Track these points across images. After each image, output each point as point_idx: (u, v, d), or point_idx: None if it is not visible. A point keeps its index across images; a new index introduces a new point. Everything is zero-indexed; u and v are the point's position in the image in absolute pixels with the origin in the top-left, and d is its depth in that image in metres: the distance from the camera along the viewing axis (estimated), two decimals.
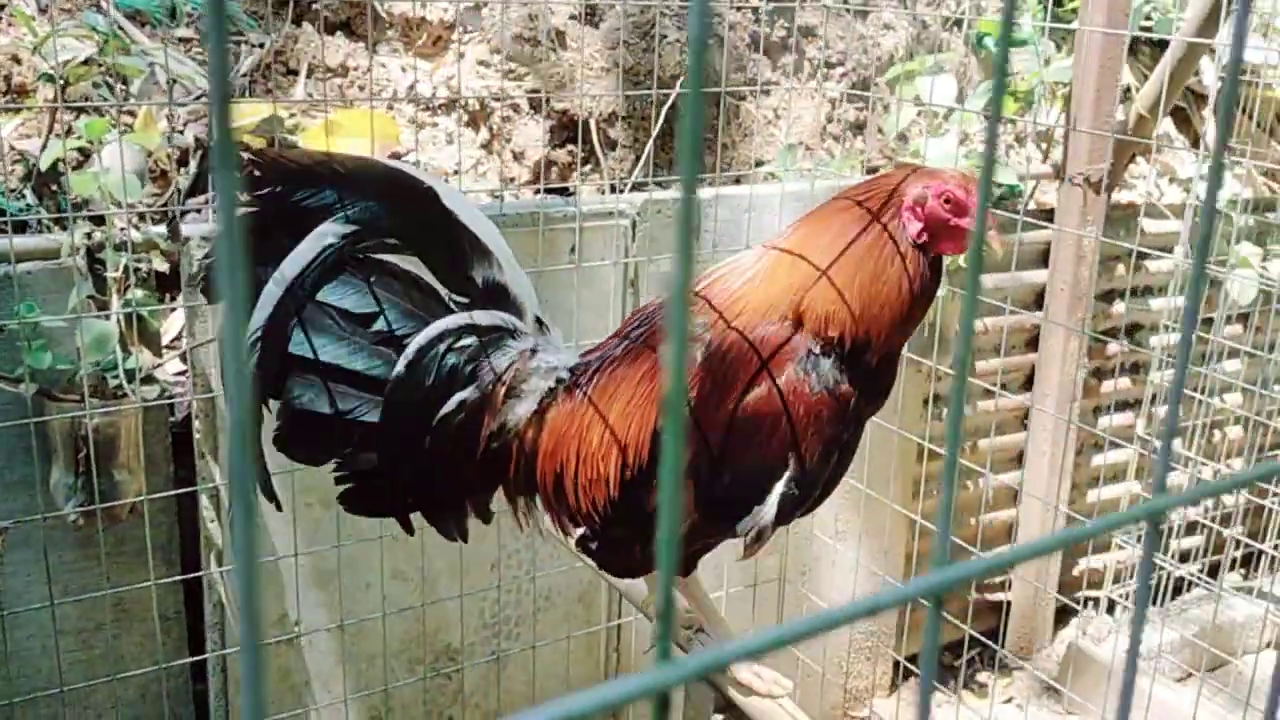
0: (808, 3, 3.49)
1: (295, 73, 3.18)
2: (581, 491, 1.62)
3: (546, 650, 3.03)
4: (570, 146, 3.32)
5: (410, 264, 1.74)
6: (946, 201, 1.53)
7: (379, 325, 1.65)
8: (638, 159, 3.32)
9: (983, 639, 3.39)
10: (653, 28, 3.33)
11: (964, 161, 3.13)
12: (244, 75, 3.09)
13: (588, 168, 3.35)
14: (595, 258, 2.83)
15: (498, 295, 1.71)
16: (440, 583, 2.89)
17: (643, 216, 2.89)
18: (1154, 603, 3.63)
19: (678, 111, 3.27)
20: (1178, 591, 3.75)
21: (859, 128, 3.60)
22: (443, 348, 1.65)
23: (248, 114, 2.92)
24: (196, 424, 2.55)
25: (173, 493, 2.55)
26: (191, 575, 2.62)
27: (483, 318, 1.69)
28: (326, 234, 1.57)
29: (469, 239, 1.67)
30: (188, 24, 3.02)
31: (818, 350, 1.52)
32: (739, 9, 3.45)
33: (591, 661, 3.15)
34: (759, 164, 3.45)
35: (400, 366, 1.62)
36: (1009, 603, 3.75)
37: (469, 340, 1.67)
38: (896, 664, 3.62)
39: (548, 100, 3.25)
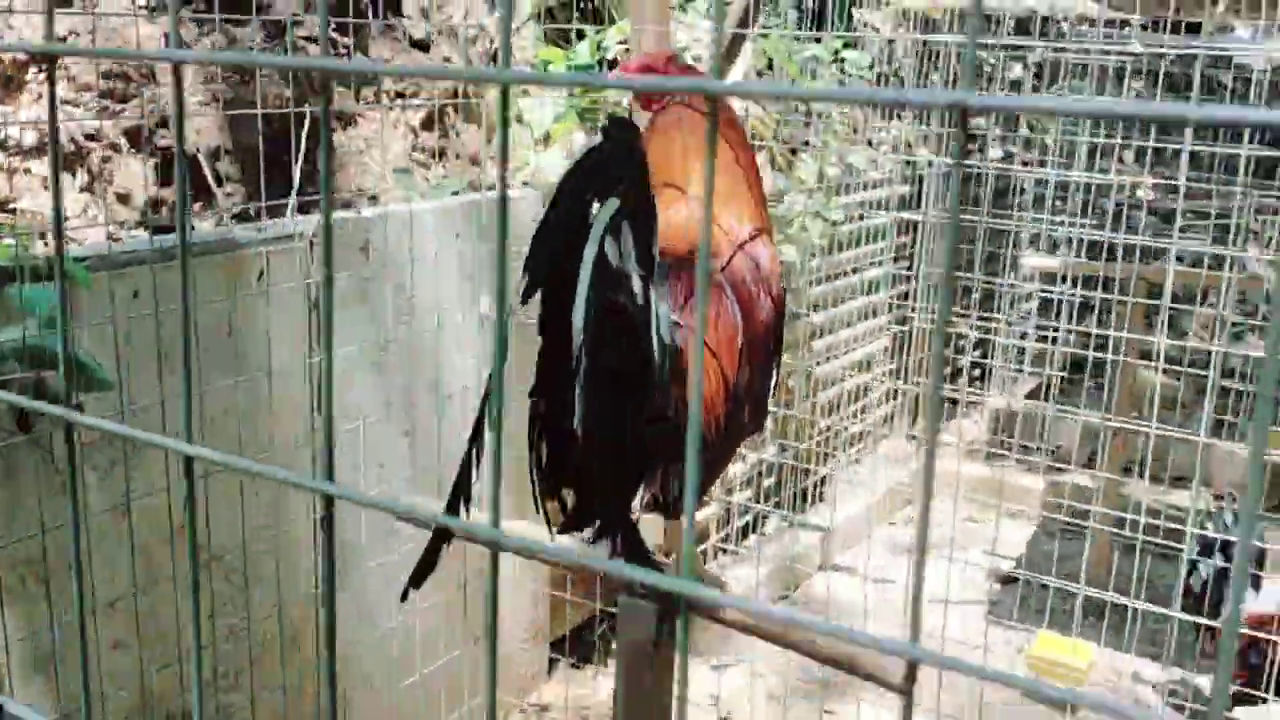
0: (379, 36, 3.64)
1: None
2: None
3: (267, 695, 2.89)
4: None
5: None
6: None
7: None
8: (249, 192, 3.26)
9: None
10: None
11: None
12: None
13: (198, 204, 3.22)
14: (281, 282, 2.79)
15: None
16: (158, 646, 2.66)
17: (320, 238, 2.89)
18: None
19: (290, 143, 3.27)
20: None
21: (437, 154, 3.80)
22: None
23: None
24: None
25: None
26: None
27: None
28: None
29: None
30: None
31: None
32: (315, 40, 3.51)
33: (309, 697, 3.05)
34: (361, 191, 3.54)
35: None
36: None
37: None
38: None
39: (151, 135, 3.09)
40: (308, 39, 3.56)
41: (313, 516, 2.96)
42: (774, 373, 1.86)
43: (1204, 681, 4.00)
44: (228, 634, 2.80)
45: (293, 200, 3.00)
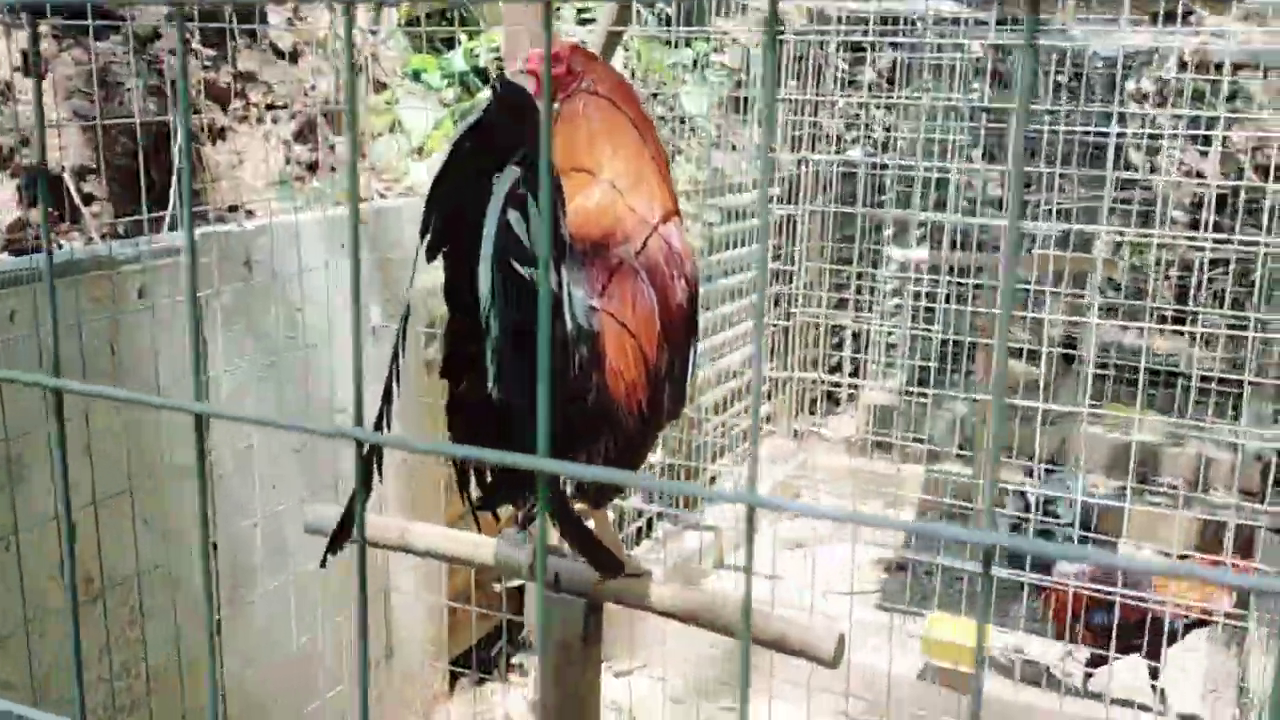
0: (248, 49, 3.55)
1: None
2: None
3: None
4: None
5: None
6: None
7: None
8: (120, 210, 3.14)
9: None
10: (108, 75, 3.18)
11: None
12: None
13: (65, 224, 3.09)
14: (162, 297, 2.69)
15: None
16: (51, 689, 2.53)
17: (201, 251, 2.80)
18: None
19: (162, 159, 3.16)
20: None
21: (312, 167, 3.72)
22: None
23: None
24: None
25: None
26: None
27: None
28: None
29: None
30: None
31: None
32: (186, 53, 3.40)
33: None
34: (233, 208, 3.43)
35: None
36: None
37: None
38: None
39: (12, 154, 2.96)
40: (171, 52, 3.45)
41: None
42: (691, 355, 1.86)
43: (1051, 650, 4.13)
44: (122, 669, 2.68)
45: (174, 213, 2.91)
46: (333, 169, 3.75)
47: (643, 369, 1.76)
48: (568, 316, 1.63)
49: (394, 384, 1.62)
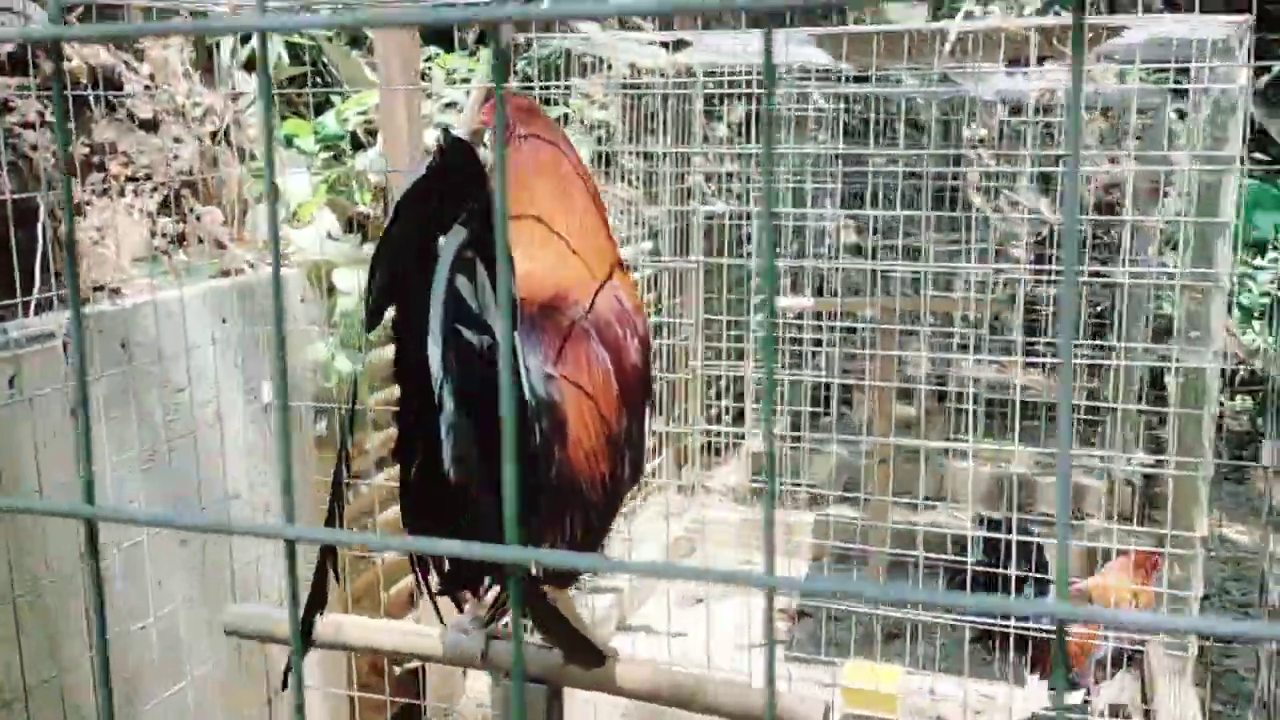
0: (104, 119, 3.35)
1: None
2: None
3: None
4: None
5: None
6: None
7: None
8: None
9: None
10: None
11: (331, 247, 3.29)
12: None
13: None
14: (34, 388, 2.48)
15: None
16: None
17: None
18: None
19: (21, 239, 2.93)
20: None
21: (180, 239, 3.52)
22: None
23: None
24: None
25: None
26: None
27: None
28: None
29: None
30: None
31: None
32: (37, 128, 3.19)
33: None
34: (99, 288, 3.21)
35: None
36: None
37: None
38: None
39: None
40: (24, 125, 3.23)
41: (90, 654, 2.63)
42: (647, 418, 1.78)
43: (993, 689, 4.14)
44: None
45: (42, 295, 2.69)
46: (200, 240, 3.56)
47: (603, 436, 1.67)
48: (526, 388, 1.54)
49: (344, 476, 1.51)
